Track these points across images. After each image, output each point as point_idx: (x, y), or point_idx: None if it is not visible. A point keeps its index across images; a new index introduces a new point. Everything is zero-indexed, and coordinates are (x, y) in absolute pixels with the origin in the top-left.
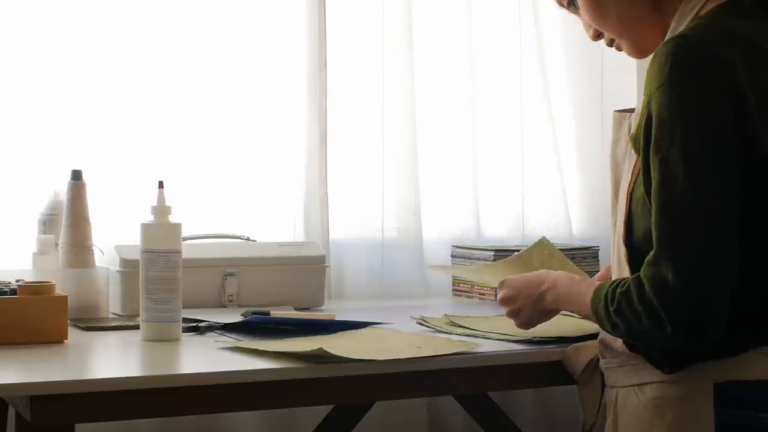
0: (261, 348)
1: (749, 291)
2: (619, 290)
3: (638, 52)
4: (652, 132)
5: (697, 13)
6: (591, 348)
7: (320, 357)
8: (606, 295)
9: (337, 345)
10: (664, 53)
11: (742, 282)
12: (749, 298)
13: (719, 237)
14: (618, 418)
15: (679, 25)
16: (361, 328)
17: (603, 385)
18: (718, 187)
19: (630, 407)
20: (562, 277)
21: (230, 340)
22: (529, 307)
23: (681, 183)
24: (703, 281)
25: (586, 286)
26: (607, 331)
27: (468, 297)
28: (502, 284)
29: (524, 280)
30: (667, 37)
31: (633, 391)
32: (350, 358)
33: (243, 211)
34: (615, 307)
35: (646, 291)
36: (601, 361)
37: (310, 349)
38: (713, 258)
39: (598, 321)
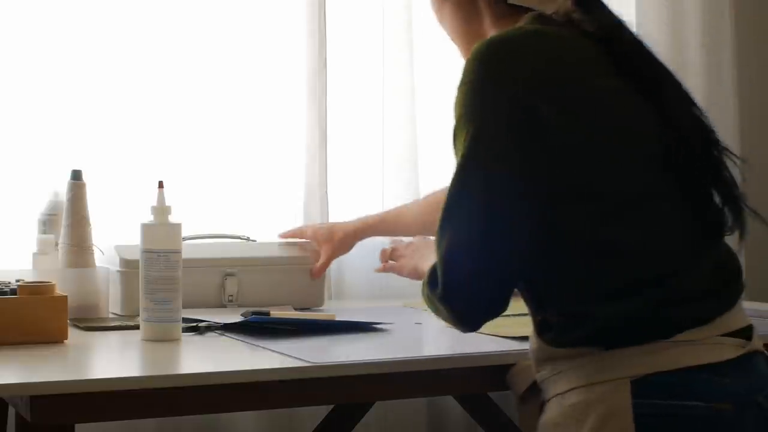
0: None
1: (642, 286)
2: None
3: None
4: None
5: None
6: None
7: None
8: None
9: None
10: (469, 54)
11: (634, 277)
12: (647, 292)
13: (476, 239)
14: (541, 429)
15: None
16: (362, 328)
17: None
18: (482, 188)
19: (552, 416)
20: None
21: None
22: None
23: (453, 180)
24: (448, 265)
25: None
26: None
27: None
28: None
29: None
30: None
31: (557, 400)
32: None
33: (243, 211)
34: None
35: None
36: (536, 376)
37: None
38: (464, 252)
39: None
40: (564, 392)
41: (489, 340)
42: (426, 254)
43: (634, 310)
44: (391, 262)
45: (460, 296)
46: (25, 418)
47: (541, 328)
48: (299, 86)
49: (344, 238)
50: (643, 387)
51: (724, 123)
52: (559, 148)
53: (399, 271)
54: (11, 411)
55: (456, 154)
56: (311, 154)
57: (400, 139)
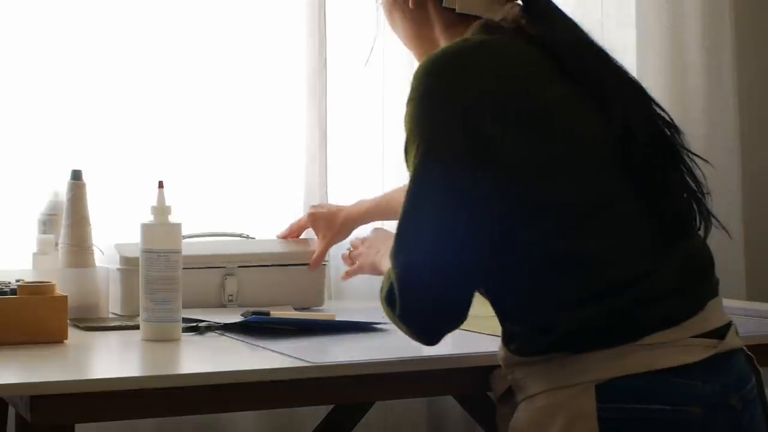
0: None
1: (606, 292)
2: None
3: None
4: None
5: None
6: None
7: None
8: None
9: None
10: (417, 69)
11: (596, 284)
12: (609, 298)
13: (431, 246)
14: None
15: None
16: (362, 328)
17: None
18: (435, 200)
19: (521, 418)
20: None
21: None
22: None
23: (407, 194)
24: (405, 272)
25: None
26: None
27: None
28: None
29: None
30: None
31: (526, 403)
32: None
33: (243, 211)
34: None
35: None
36: (508, 379)
37: None
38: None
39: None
40: (532, 395)
41: (489, 340)
42: (382, 250)
43: (599, 316)
44: (355, 265)
45: (419, 315)
46: (25, 418)
47: (507, 338)
48: (299, 86)
49: (345, 223)
50: (608, 391)
51: (724, 125)
52: (512, 160)
53: (361, 272)
54: (11, 411)
55: (409, 168)
56: (311, 154)
57: (400, 139)
